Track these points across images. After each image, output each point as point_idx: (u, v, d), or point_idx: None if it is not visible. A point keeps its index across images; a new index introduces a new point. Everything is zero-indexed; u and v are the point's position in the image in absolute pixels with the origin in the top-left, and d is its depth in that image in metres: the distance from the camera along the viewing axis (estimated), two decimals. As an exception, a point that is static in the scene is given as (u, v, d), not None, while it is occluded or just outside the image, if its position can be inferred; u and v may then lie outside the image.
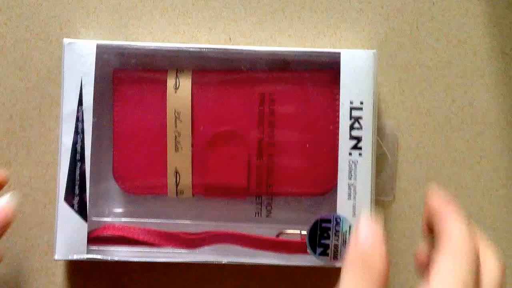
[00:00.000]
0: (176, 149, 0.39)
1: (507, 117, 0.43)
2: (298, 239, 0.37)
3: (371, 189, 0.37)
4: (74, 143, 0.37)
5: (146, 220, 0.40)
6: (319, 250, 0.36)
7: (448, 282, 0.26)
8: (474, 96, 0.43)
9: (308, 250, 0.36)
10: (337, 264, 0.37)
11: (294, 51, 0.39)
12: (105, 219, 0.39)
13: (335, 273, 0.29)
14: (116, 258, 0.38)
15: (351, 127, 0.37)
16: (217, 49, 0.38)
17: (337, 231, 0.36)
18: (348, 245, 0.28)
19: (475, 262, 0.27)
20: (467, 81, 0.43)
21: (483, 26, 0.43)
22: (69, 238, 0.37)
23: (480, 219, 0.43)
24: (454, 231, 0.28)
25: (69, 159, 0.37)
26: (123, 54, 0.39)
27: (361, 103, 0.37)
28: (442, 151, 0.43)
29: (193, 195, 0.40)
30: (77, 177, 0.37)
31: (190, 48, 0.38)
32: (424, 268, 0.31)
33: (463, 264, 0.27)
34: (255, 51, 0.39)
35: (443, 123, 0.43)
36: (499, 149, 0.43)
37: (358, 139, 0.37)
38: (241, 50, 0.39)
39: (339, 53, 0.38)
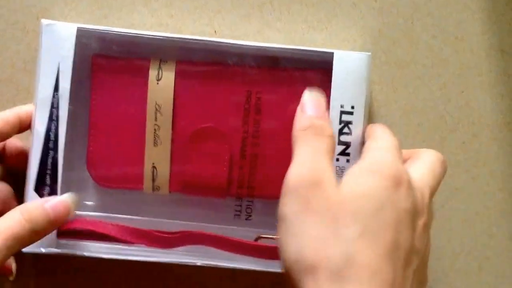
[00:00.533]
0: (155, 144, 0.38)
1: (505, 118, 0.42)
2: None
3: None
4: (48, 131, 0.36)
5: (119, 215, 0.39)
6: None
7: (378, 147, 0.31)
8: (471, 96, 0.42)
9: None
10: None
11: (284, 49, 0.37)
12: (77, 212, 0.37)
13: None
14: (86, 254, 0.37)
15: (340, 132, 0.36)
16: (202, 40, 0.37)
17: None
18: (296, 116, 0.31)
19: (396, 143, 0.32)
20: (463, 80, 0.42)
21: (481, 23, 0.42)
22: None
23: (476, 223, 0.42)
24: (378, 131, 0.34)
25: (41, 148, 0.36)
26: (105, 39, 0.38)
27: (352, 107, 0.36)
28: (436, 152, 0.42)
29: (170, 192, 0.39)
30: (49, 166, 0.36)
31: (175, 37, 0.37)
32: None
33: (387, 140, 0.32)
34: (242, 45, 0.37)
35: (439, 123, 0.42)
36: (496, 151, 0.42)
37: (347, 144, 0.36)
38: (228, 43, 0.37)
39: (332, 53, 0.37)
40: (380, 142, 0.31)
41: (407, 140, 0.42)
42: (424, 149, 0.34)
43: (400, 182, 0.28)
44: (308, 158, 0.29)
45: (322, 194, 0.27)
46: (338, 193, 0.27)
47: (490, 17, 0.42)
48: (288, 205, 0.27)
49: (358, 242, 0.26)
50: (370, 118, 0.41)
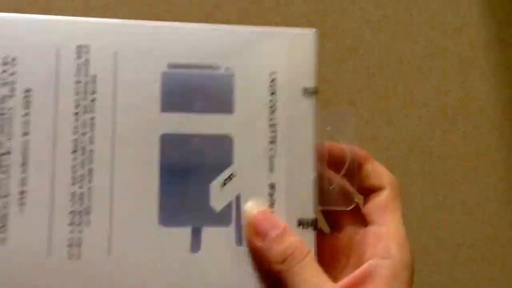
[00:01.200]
0: None
1: (505, 109, 0.42)
2: None
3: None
4: None
5: None
6: None
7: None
8: (471, 88, 0.42)
9: None
10: None
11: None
12: None
13: None
14: None
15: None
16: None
17: None
18: (254, 249, 0.28)
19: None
20: (463, 72, 0.42)
21: (480, 15, 0.42)
22: None
23: (478, 214, 0.42)
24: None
25: None
26: None
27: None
28: (437, 144, 0.42)
29: None
30: None
31: None
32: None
33: (400, 229, 0.29)
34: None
35: (439, 115, 0.42)
36: (497, 142, 0.42)
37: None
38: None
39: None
40: (395, 220, 0.30)
41: (408, 133, 0.42)
42: (387, 186, 0.31)
43: (413, 273, 0.29)
44: (315, 282, 0.28)
45: None
46: None
47: (489, 8, 0.42)
48: None
49: None
50: (371, 112, 0.41)
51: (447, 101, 0.42)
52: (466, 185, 0.42)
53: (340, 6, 0.42)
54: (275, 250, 0.28)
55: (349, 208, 0.31)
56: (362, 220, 0.30)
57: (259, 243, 0.28)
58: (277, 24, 0.41)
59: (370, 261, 0.28)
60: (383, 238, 0.29)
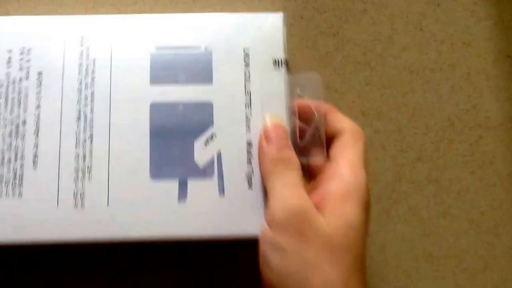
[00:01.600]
0: None
1: (511, 121, 0.42)
2: None
3: None
4: None
5: None
6: None
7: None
8: (478, 100, 0.42)
9: None
10: None
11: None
12: None
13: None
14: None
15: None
16: None
17: None
18: (261, 147, 0.32)
19: (363, 148, 0.33)
20: (471, 84, 0.42)
21: (488, 29, 0.42)
22: None
23: (482, 224, 0.42)
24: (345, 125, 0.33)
25: None
26: None
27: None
28: (444, 154, 0.42)
29: None
30: None
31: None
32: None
33: (357, 150, 0.32)
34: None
35: (446, 126, 0.42)
36: (502, 153, 0.42)
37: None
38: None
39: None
40: (351, 153, 0.32)
41: (416, 142, 0.42)
42: (347, 129, 0.33)
43: (370, 204, 0.31)
44: (288, 191, 0.30)
45: (311, 225, 0.29)
46: (327, 224, 0.30)
47: (497, 23, 0.42)
48: (283, 237, 0.29)
49: (352, 272, 0.29)
50: (379, 120, 0.42)
51: (455, 113, 0.42)
52: (472, 195, 0.42)
53: (353, 18, 0.42)
54: (273, 152, 0.32)
55: (321, 160, 0.34)
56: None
57: (265, 144, 0.32)
58: (291, 36, 0.41)
59: (326, 187, 0.31)
60: (338, 167, 0.32)
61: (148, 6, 0.42)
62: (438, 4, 0.42)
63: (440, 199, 0.42)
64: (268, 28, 0.35)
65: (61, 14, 0.35)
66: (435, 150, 0.42)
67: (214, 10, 0.42)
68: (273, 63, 0.35)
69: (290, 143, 0.32)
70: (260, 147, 0.33)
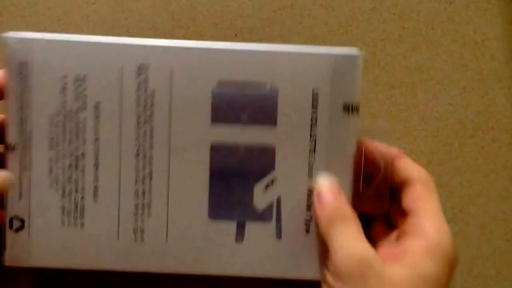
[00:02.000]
0: None
1: (525, 124, 0.42)
2: None
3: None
4: None
5: None
6: None
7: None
8: (491, 101, 0.42)
9: None
10: None
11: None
12: None
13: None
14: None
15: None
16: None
17: None
18: (316, 208, 0.32)
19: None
20: (483, 85, 0.42)
21: (501, 28, 0.42)
22: None
23: (494, 228, 0.42)
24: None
25: None
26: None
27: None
28: (455, 157, 0.42)
29: None
30: None
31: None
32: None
33: (435, 205, 0.32)
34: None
35: (458, 128, 0.42)
36: (516, 157, 0.42)
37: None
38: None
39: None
40: (430, 207, 0.32)
41: (427, 145, 0.41)
42: (417, 179, 0.33)
43: (456, 263, 0.30)
44: (349, 241, 0.30)
45: (376, 273, 0.29)
46: (394, 273, 0.29)
47: (511, 22, 0.42)
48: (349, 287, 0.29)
49: None
50: (388, 122, 0.41)
51: (467, 114, 0.42)
52: (483, 199, 0.42)
53: (362, 17, 0.41)
54: (327, 213, 0.31)
55: (383, 213, 0.33)
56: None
57: (319, 206, 0.32)
58: (299, 34, 0.41)
59: (407, 241, 0.30)
60: (419, 222, 0.31)
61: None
62: (450, 2, 0.41)
63: (451, 203, 0.42)
64: (342, 68, 0.33)
65: (117, 36, 0.33)
66: (446, 153, 0.42)
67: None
68: (343, 108, 0.33)
69: (344, 198, 0.32)
70: (314, 208, 0.33)
